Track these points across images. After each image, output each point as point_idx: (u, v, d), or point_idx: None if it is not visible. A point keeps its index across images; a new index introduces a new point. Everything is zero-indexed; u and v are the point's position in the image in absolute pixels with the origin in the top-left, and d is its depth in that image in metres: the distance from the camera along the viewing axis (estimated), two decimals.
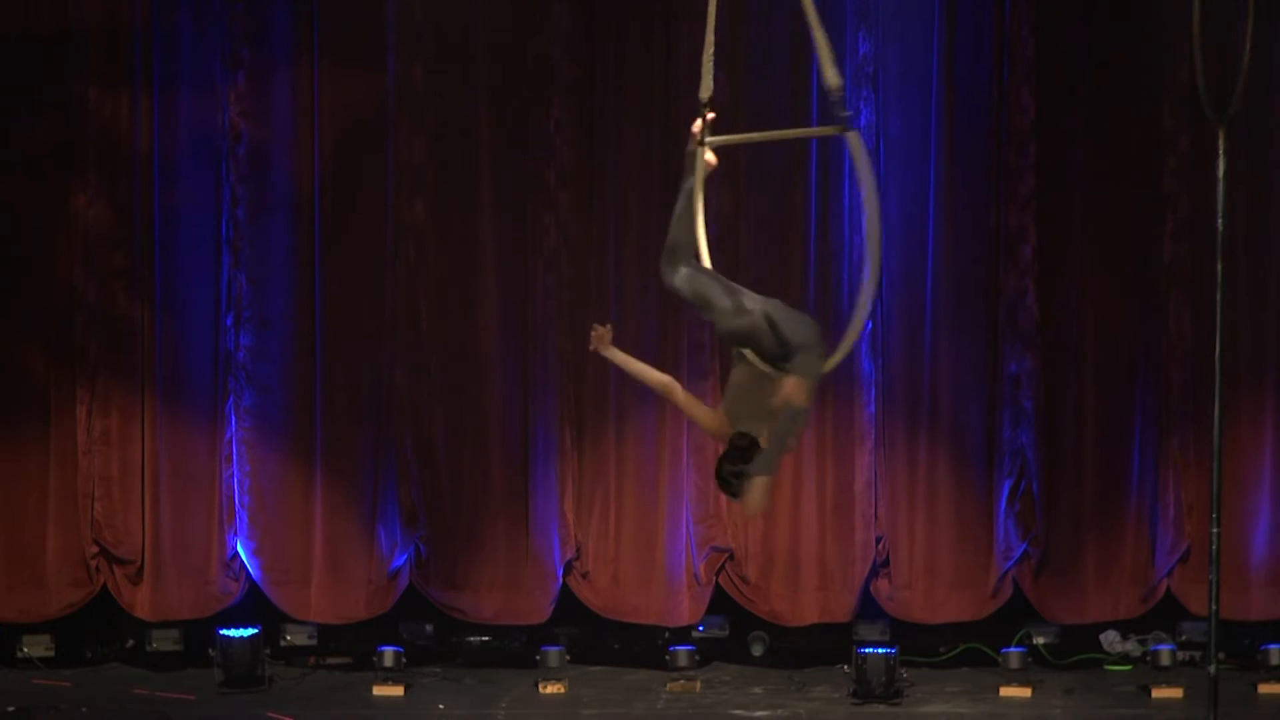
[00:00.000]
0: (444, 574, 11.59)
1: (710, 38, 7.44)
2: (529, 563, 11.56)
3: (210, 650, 11.25)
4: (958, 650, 11.59)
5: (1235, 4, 9.35)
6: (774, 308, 7.14)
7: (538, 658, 11.16)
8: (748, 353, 7.16)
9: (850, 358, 11.45)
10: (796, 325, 7.13)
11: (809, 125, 11.33)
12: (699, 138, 7.34)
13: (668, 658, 11.27)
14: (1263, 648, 11.09)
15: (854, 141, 7.16)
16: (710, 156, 7.43)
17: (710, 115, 7.39)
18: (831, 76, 7.17)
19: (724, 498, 11.36)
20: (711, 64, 7.42)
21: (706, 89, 7.41)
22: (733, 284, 7.27)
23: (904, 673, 10.94)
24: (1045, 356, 11.44)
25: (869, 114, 11.41)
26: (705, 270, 7.37)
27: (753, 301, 7.18)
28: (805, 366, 7.03)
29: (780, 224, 11.53)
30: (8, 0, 11.41)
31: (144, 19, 11.44)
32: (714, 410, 7.33)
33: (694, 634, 11.57)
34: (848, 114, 7.25)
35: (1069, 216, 11.43)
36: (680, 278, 7.28)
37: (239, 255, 11.52)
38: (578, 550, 11.58)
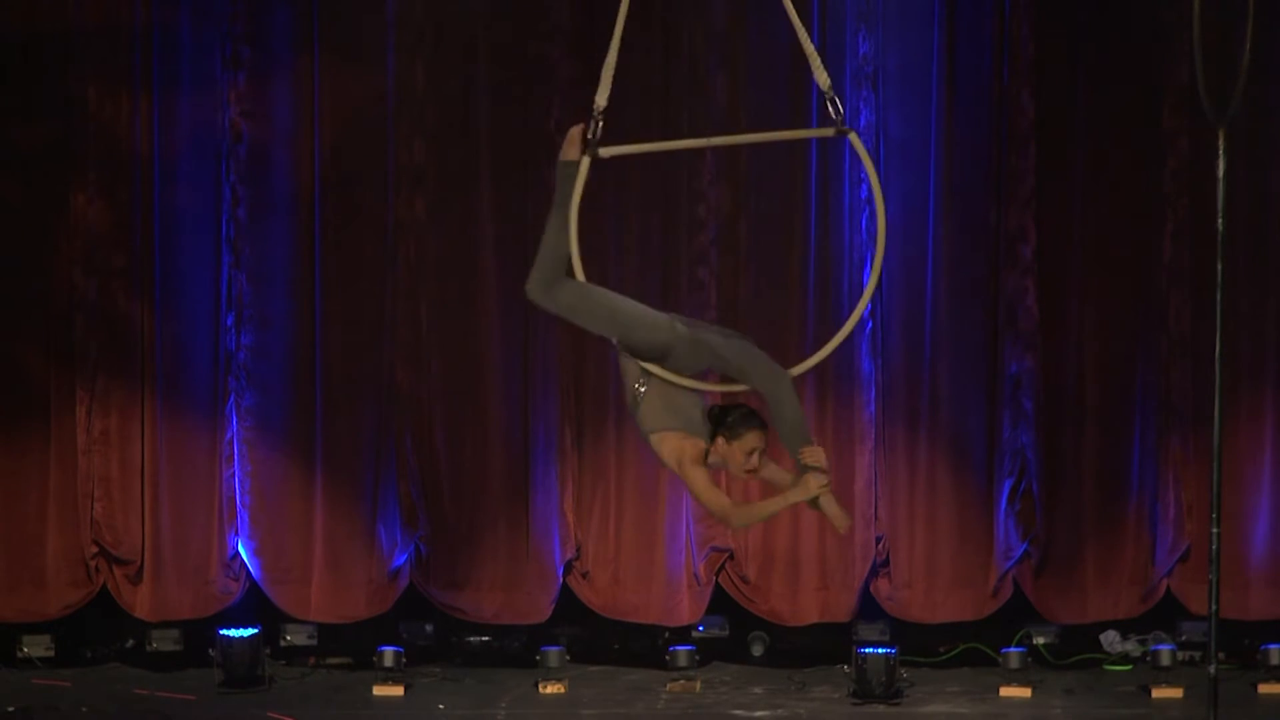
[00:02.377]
0: (444, 574, 11.59)
1: (615, 44, 7.28)
2: (529, 562, 11.56)
3: (210, 650, 11.24)
4: (958, 650, 11.59)
5: (1235, 4, 9.34)
6: (692, 324, 6.92)
7: (538, 658, 11.17)
8: (654, 368, 6.86)
9: (850, 358, 11.48)
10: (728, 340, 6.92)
11: (809, 126, 11.34)
12: (583, 146, 7.01)
13: (668, 658, 11.27)
14: (1263, 648, 11.09)
15: (857, 142, 7.09)
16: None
17: (599, 124, 7.00)
18: (824, 79, 7.07)
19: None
20: (612, 73, 7.23)
21: (604, 97, 7.18)
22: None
23: (904, 673, 10.95)
24: (1045, 356, 11.44)
25: (869, 114, 11.41)
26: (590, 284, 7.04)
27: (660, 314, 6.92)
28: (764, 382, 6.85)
29: (780, 224, 11.52)
30: (8, 0, 11.40)
31: (144, 19, 11.43)
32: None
33: (694, 634, 11.57)
34: (843, 114, 7.14)
35: (1069, 216, 11.43)
36: (568, 292, 6.98)
37: (239, 255, 11.52)
38: (578, 550, 11.58)
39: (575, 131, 6.97)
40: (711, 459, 6.83)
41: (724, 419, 6.83)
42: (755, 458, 6.81)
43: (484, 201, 11.55)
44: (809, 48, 7.07)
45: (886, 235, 7.14)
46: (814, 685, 11.20)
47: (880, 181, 7.33)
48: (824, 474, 6.73)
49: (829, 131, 7.11)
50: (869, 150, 11.29)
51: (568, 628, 11.66)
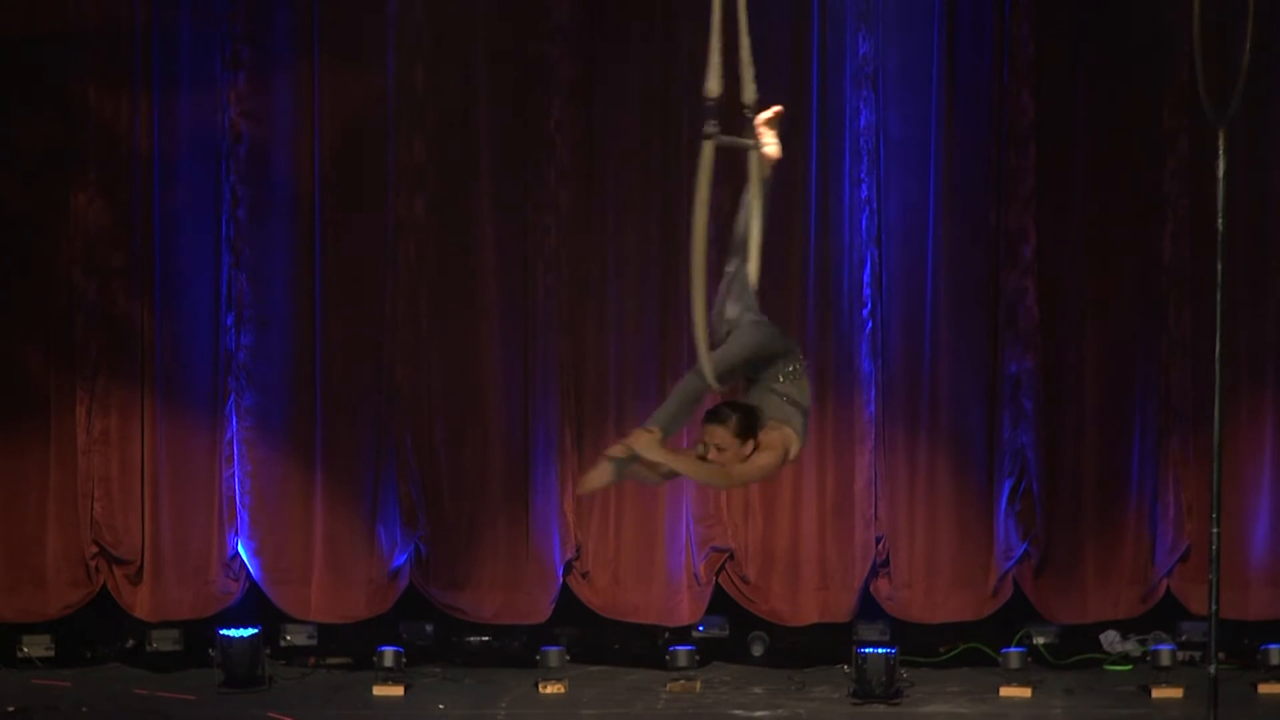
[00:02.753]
0: (444, 574, 11.59)
1: (715, 31, 7.40)
2: (529, 562, 11.56)
3: (210, 650, 11.25)
4: (958, 650, 11.59)
5: (1235, 4, 9.34)
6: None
7: (538, 658, 11.16)
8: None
9: (850, 358, 11.48)
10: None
11: (808, 127, 11.36)
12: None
13: (668, 658, 11.26)
14: (1263, 648, 11.09)
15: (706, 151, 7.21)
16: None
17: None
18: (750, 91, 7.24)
19: (724, 497, 11.49)
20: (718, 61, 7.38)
21: (714, 84, 7.35)
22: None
23: (904, 673, 10.95)
24: (1045, 356, 11.44)
25: (869, 114, 11.41)
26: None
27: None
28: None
29: (780, 224, 11.50)
30: (8, 0, 11.40)
31: (144, 19, 11.43)
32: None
33: (694, 634, 11.56)
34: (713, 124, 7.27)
35: (1069, 216, 11.43)
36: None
37: (239, 255, 11.52)
38: (578, 550, 11.58)
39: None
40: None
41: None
42: (712, 450, 6.89)
43: (484, 201, 11.55)
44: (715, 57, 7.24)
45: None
46: (814, 685, 11.20)
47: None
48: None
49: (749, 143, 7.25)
50: (868, 151, 11.42)
51: (568, 628, 11.66)
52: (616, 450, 6.83)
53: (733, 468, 6.89)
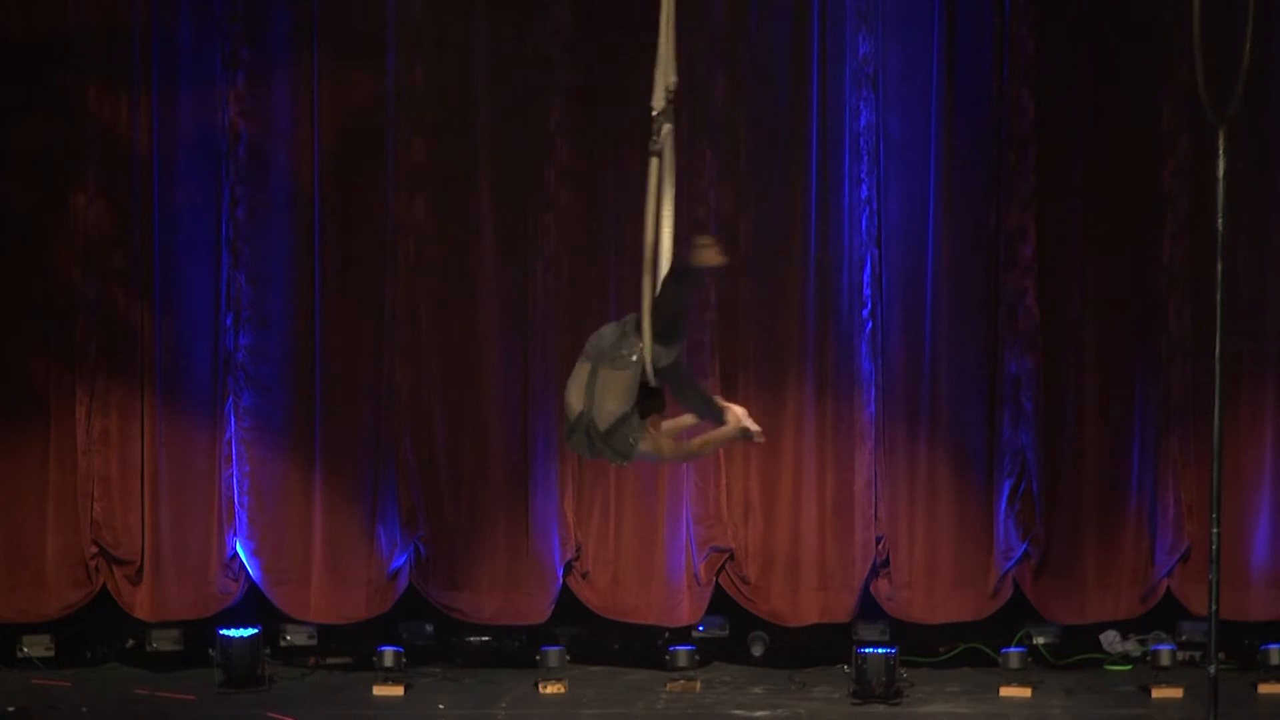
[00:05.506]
0: (444, 574, 11.59)
1: (663, 43, 7.45)
2: (529, 563, 11.56)
3: (210, 650, 11.25)
4: (958, 650, 11.60)
5: (1235, 4, 9.34)
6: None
7: (538, 658, 11.17)
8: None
9: (850, 358, 11.48)
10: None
11: (808, 127, 11.35)
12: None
13: (668, 658, 11.27)
14: (1263, 648, 11.10)
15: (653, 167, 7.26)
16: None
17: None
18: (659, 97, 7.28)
19: (724, 498, 11.49)
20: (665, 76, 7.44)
21: (660, 100, 7.40)
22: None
23: (904, 673, 10.95)
24: (1045, 356, 11.44)
25: (869, 114, 11.42)
26: None
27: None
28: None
29: (780, 224, 11.52)
30: (8, 0, 11.40)
31: (144, 19, 11.44)
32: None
33: (694, 634, 11.57)
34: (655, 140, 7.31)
35: (1069, 216, 11.43)
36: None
37: (239, 255, 11.52)
38: (578, 550, 11.58)
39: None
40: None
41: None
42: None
43: (483, 201, 11.55)
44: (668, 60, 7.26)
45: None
46: (814, 685, 11.21)
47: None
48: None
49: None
50: (868, 151, 11.41)
51: (568, 628, 11.66)
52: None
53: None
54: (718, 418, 7.46)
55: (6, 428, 11.51)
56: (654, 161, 7.21)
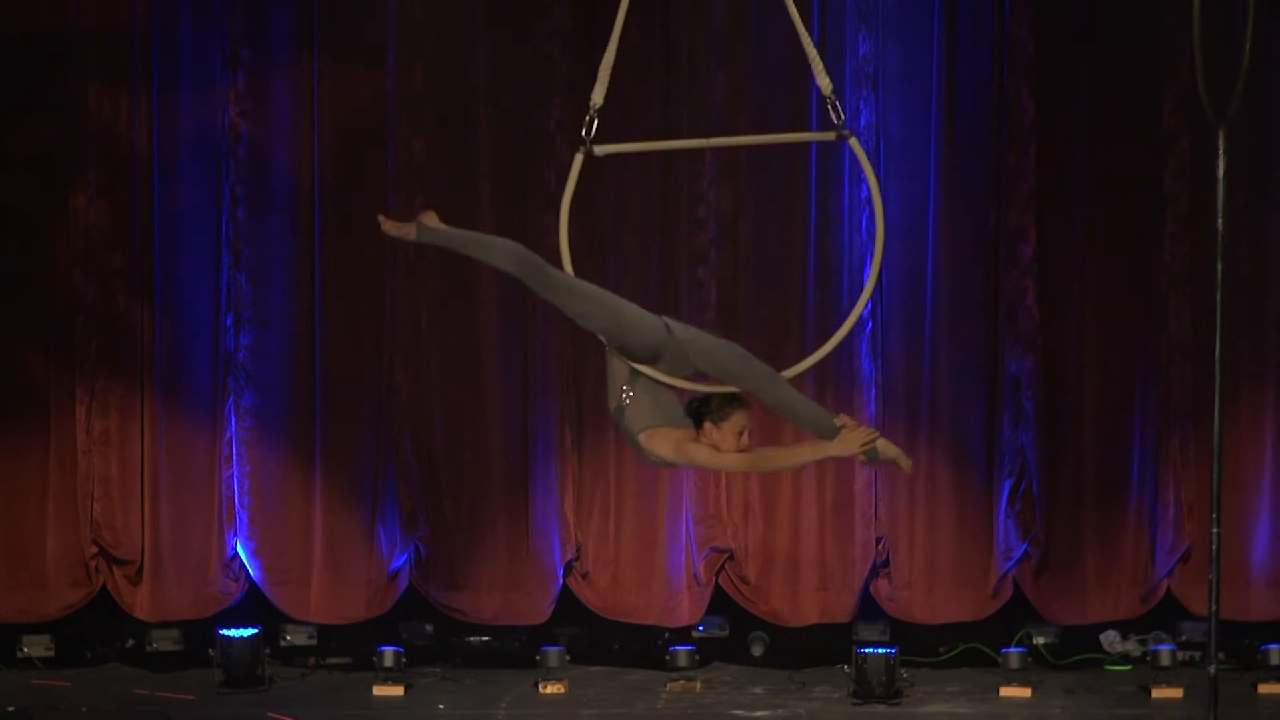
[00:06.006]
0: (444, 574, 11.59)
1: (614, 42, 7.41)
2: (529, 563, 11.56)
3: (210, 650, 11.26)
4: (958, 650, 11.60)
5: (1235, 4, 9.34)
6: (684, 327, 7.11)
7: (538, 658, 11.17)
8: (646, 369, 7.09)
9: (850, 358, 11.48)
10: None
11: (808, 127, 11.34)
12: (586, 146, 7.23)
13: (668, 658, 11.27)
14: (1263, 648, 11.10)
15: (856, 146, 7.12)
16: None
17: (594, 122, 7.29)
18: (825, 83, 7.13)
19: (723, 498, 11.49)
20: (609, 71, 7.38)
21: (600, 95, 7.36)
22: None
23: (904, 673, 10.95)
24: (1045, 356, 11.44)
25: (869, 114, 11.41)
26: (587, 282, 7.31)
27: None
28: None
29: (780, 224, 11.52)
30: (8, 0, 11.40)
31: (144, 19, 11.44)
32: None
33: (694, 634, 11.57)
34: (844, 118, 7.19)
35: (1069, 216, 11.43)
36: (565, 284, 7.41)
37: (239, 255, 11.52)
38: (578, 550, 11.58)
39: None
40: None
41: (707, 406, 7.00)
42: (746, 436, 6.97)
43: (484, 201, 11.55)
44: (812, 53, 7.11)
45: (886, 235, 7.17)
46: (814, 685, 11.21)
47: (880, 183, 7.34)
48: (863, 429, 6.94)
49: (830, 135, 7.14)
50: (868, 151, 11.40)
51: (568, 628, 11.66)
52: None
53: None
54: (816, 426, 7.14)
55: (6, 428, 11.51)
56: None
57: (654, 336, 6.98)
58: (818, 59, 7.11)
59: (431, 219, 6.87)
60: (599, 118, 7.24)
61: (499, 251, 6.96)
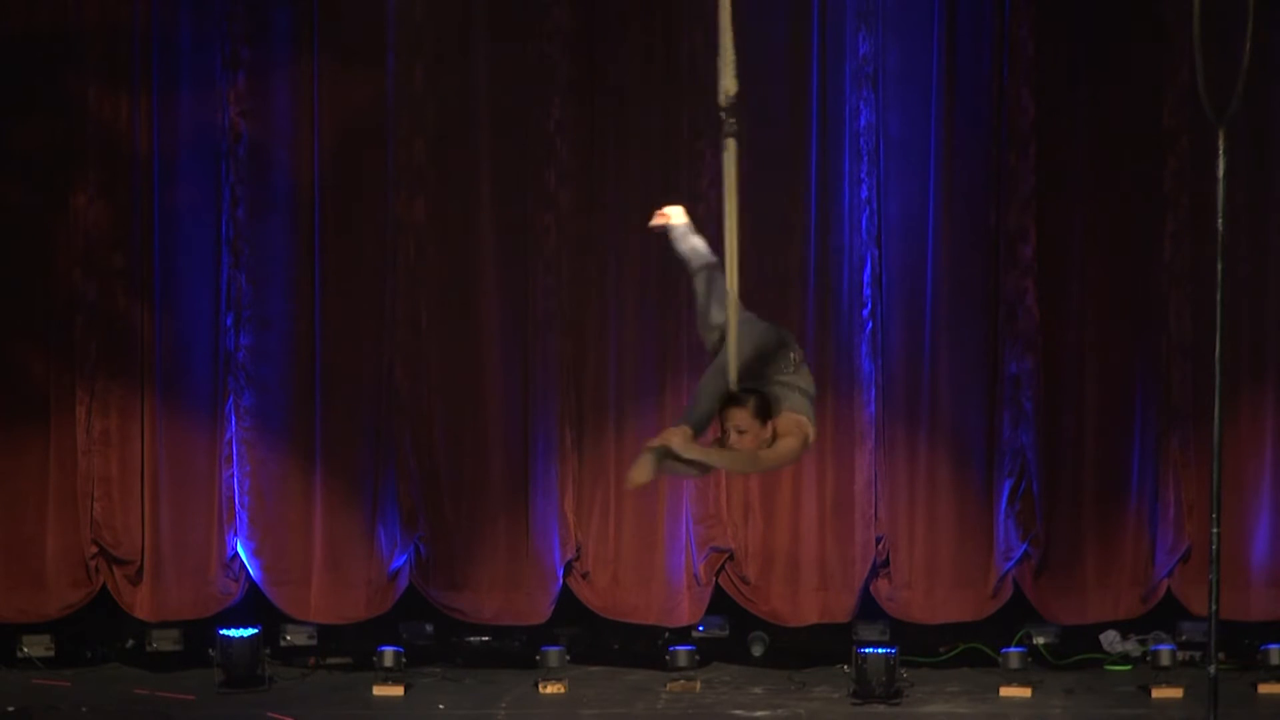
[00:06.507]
0: (444, 574, 11.59)
1: (726, 29, 7.39)
2: (529, 563, 11.56)
3: (210, 650, 11.25)
4: (958, 650, 11.60)
5: (1235, 4, 9.34)
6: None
7: (538, 658, 11.17)
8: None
9: (850, 358, 11.49)
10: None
11: (808, 127, 11.36)
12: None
13: (668, 658, 11.27)
14: (1263, 648, 11.10)
15: (729, 151, 7.15)
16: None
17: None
18: (730, 83, 7.19)
19: (723, 498, 11.48)
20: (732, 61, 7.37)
21: (733, 83, 7.33)
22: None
23: (904, 673, 10.95)
24: (1045, 356, 11.44)
25: (869, 114, 11.41)
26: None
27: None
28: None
29: (780, 224, 11.52)
30: (8, 0, 11.40)
31: (144, 19, 11.44)
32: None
33: (694, 634, 11.57)
34: (733, 123, 7.20)
35: (1069, 216, 11.43)
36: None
37: (239, 255, 11.52)
38: (578, 550, 11.58)
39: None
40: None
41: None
42: (733, 434, 6.99)
43: (484, 201, 11.55)
44: (728, 54, 7.18)
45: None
46: (814, 685, 11.21)
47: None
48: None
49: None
50: (869, 151, 11.41)
51: (568, 628, 11.66)
52: (653, 442, 6.95)
53: (759, 451, 7.02)
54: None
55: (6, 428, 11.51)
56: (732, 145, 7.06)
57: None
58: (731, 62, 7.17)
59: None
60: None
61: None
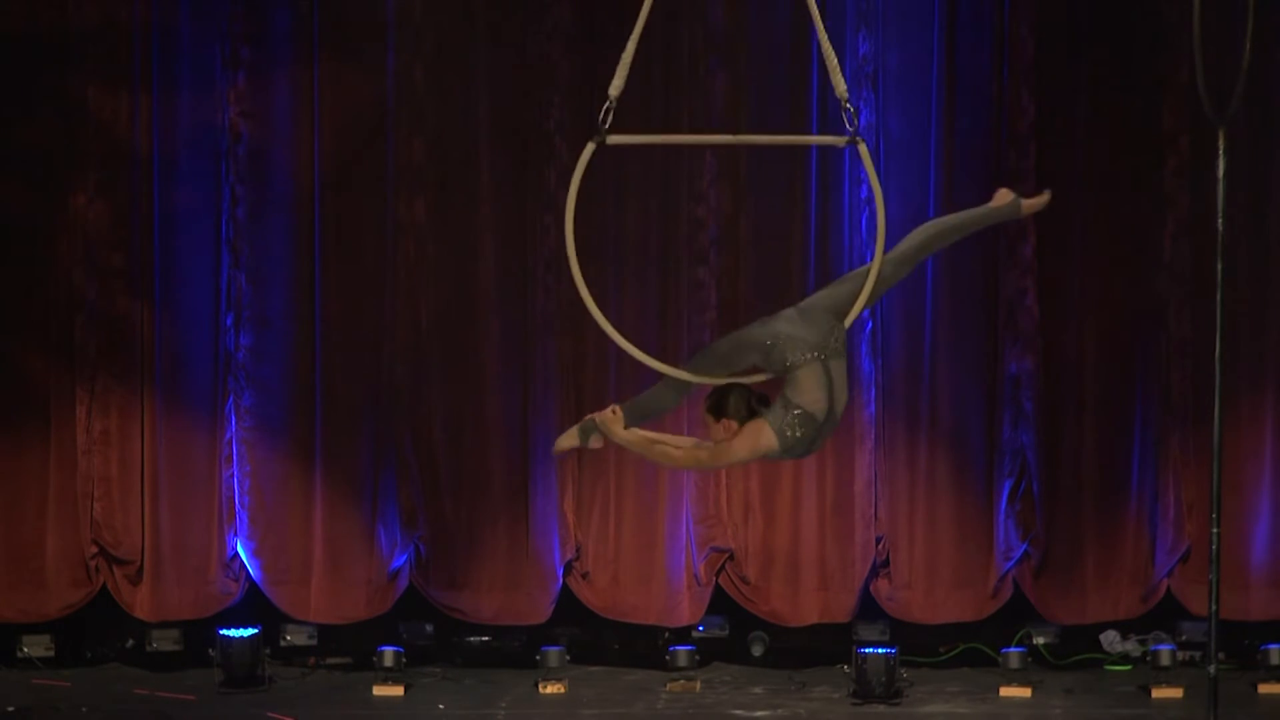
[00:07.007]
0: (444, 574, 11.59)
1: (636, 33, 7.37)
2: (529, 563, 11.56)
3: (210, 650, 11.26)
4: (958, 650, 11.60)
5: (1235, 4, 9.34)
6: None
7: (538, 658, 11.17)
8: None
9: (850, 358, 11.45)
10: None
11: (808, 127, 11.35)
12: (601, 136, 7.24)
13: (668, 658, 11.27)
14: (1263, 648, 11.10)
15: (864, 153, 7.08)
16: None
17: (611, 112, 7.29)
18: (841, 88, 7.10)
19: (724, 498, 11.48)
20: (629, 62, 7.35)
21: (618, 86, 7.33)
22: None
23: (904, 673, 10.95)
24: (1045, 356, 11.44)
25: (869, 114, 11.41)
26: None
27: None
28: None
29: (780, 224, 11.52)
30: (8, 0, 11.40)
31: (144, 19, 11.44)
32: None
33: (694, 634, 11.57)
34: (858, 125, 7.14)
35: (1069, 217, 11.42)
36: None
37: (239, 255, 11.52)
38: (578, 550, 11.58)
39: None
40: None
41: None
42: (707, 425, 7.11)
43: (484, 201, 11.55)
44: (832, 61, 7.09)
45: (887, 236, 7.15)
46: (814, 685, 11.21)
47: (881, 183, 7.30)
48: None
49: (840, 140, 7.09)
50: (870, 152, 11.38)
51: (568, 628, 11.66)
52: (586, 419, 7.12)
53: (697, 451, 7.10)
54: None
55: (6, 428, 11.51)
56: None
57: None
58: (836, 66, 7.09)
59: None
60: (615, 107, 7.18)
61: None
